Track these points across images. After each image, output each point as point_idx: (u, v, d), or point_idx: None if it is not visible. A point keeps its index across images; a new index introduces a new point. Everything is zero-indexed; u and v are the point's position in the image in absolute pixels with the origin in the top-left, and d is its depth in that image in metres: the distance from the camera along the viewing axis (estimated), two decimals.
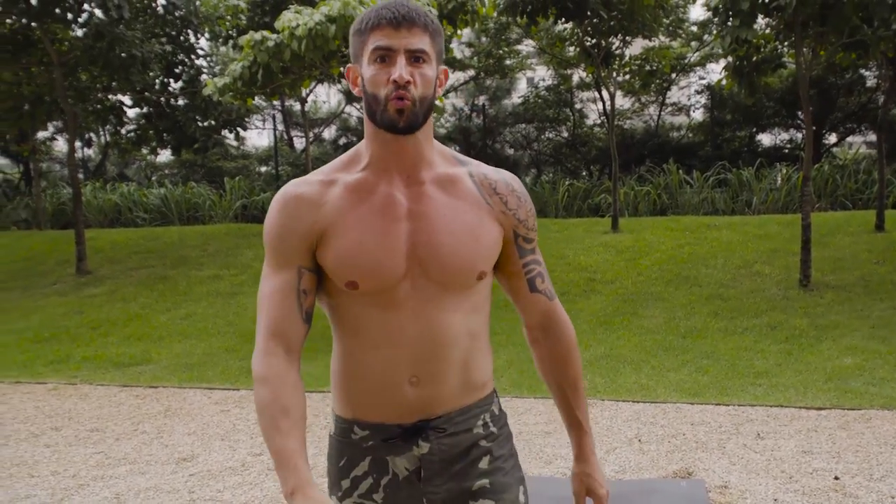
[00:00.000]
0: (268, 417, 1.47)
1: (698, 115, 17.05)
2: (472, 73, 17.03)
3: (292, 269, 1.56)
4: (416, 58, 1.47)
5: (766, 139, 16.33)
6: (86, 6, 10.02)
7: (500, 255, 1.63)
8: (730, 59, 8.66)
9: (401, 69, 1.44)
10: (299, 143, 18.61)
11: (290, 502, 1.39)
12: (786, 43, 8.82)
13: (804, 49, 8.30)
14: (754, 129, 15.73)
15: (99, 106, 12.17)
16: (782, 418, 4.89)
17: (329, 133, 19.09)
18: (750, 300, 7.92)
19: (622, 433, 4.72)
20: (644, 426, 4.84)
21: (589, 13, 9.99)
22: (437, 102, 9.89)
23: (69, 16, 10.16)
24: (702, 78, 16.78)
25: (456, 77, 17.47)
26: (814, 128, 13.91)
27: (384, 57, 1.47)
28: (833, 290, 7.98)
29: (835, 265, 8.69)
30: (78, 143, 15.15)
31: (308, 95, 11.73)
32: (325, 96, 21.37)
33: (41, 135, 16.12)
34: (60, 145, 18.31)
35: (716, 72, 16.27)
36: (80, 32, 10.53)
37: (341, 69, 8.92)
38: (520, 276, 1.67)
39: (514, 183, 1.65)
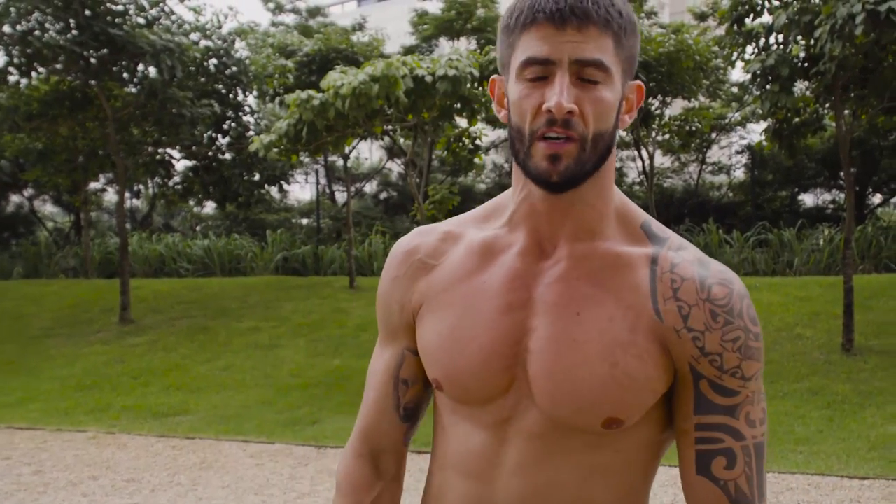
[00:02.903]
0: None
1: (739, 174, 17.00)
2: None
3: (396, 348, 1.19)
4: (588, 73, 0.98)
5: (808, 199, 16.21)
6: (140, 66, 10.44)
7: (676, 402, 1.05)
8: (770, 121, 8.69)
9: (559, 93, 0.96)
10: (341, 197, 18.91)
11: None
12: (826, 105, 8.83)
13: (845, 111, 8.30)
14: (796, 189, 15.63)
15: (149, 159, 12.56)
16: (824, 487, 4.78)
17: (370, 188, 19.40)
18: (791, 364, 7.79)
19: (658, 498, 4.65)
20: (681, 492, 4.76)
21: None
22: (476, 160, 9.99)
23: (125, 75, 10.60)
24: (742, 137, 16.78)
25: (497, 134, 17.70)
26: (857, 188, 13.80)
27: (537, 72, 0.99)
28: (877, 356, 7.81)
29: (879, 329, 8.52)
30: (127, 195, 15.59)
31: (351, 152, 11.98)
32: (367, 152, 21.76)
33: (92, 185, 16.63)
34: (110, 196, 18.87)
35: (756, 132, 16.26)
36: (133, 90, 10.94)
37: (384, 127, 9.14)
38: (688, 441, 1.04)
39: (716, 288, 1.01)
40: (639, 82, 1.09)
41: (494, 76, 1.11)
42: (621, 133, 15.41)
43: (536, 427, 1.04)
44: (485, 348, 1.05)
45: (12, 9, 9.66)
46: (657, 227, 1.09)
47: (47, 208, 20.33)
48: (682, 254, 1.05)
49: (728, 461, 1.01)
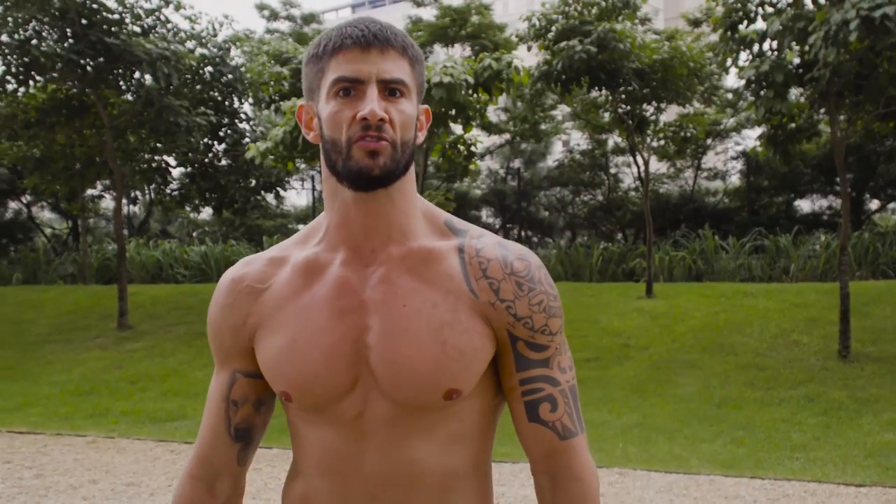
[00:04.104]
0: None
1: (734, 180, 17.05)
2: (507, 136, 17.29)
3: (227, 371, 1.25)
4: (392, 90, 1.11)
5: (805, 205, 16.25)
6: (137, 74, 10.46)
7: (500, 365, 1.19)
8: (764, 127, 8.72)
9: (372, 103, 1.08)
10: None
11: None
12: (821, 111, 8.86)
13: (840, 117, 8.34)
14: (792, 196, 15.67)
15: (145, 166, 12.57)
16: (820, 494, 4.79)
17: None
18: (787, 370, 7.81)
19: None
20: (677, 497, 4.78)
21: (622, 82, 10.16)
22: (471, 167, 9.99)
23: (122, 83, 10.62)
24: (738, 143, 16.83)
25: (492, 140, 17.74)
26: (854, 194, 13.84)
27: (349, 90, 1.11)
28: (874, 362, 7.83)
29: (876, 336, 8.54)
30: (124, 201, 15.59)
31: None
32: None
33: (89, 192, 16.64)
34: (107, 203, 18.87)
35: (751, 138, 16.32)
36: (130, 98, 10.96)
37: None
38: (515, 395, 1.18)
39: (517, 263, 1.17)
40: (426, 106, 1.23)
41: (301, 102, 1.23)
42: (616, 139, 15.48)
43: (388, 414, 1.14)
44: (326, 352, 1.14)
45: (10, 18, 9.68)
46: (458, 222, 1.23)
47: (45, 215, 20.34)
48: (484, 240, 1.19)
49: (552, 405, 1.18)
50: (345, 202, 1.16)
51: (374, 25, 1.13)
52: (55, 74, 10.40)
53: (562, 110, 16.17)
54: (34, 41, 9.66)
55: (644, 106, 11.08)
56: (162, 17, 10.65)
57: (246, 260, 1.27)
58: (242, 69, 11.33)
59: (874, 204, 15.81)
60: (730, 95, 15.08)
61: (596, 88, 10.55)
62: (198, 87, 11.17)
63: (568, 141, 19.08)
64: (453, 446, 1.17)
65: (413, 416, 1.14)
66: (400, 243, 1.17)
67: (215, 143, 12.43)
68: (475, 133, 10.31)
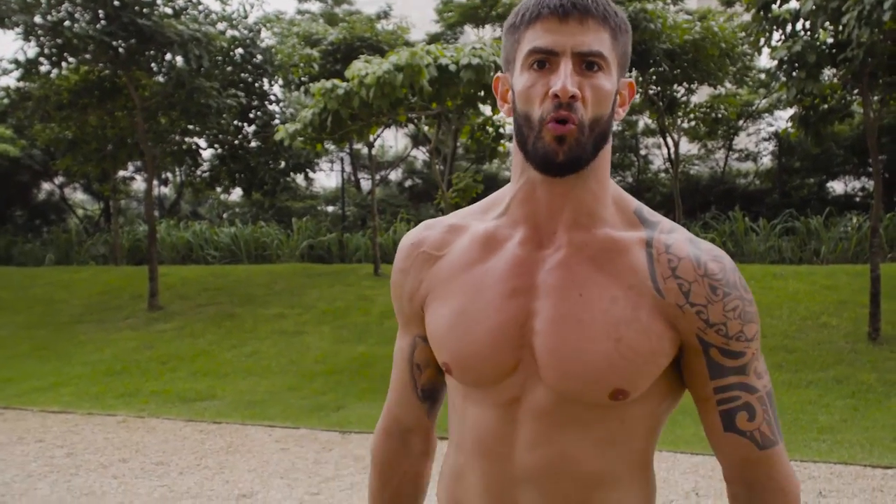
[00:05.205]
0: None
1: (766, 161, 16.83)
2: None
3: (409, 335, 1.27)
4: (588, 63, 1.06)
5: (838, 187, 16.00)
6: (168, 55, 10.55)
7: (690, 372, 1.12)
8: (796, 108, 8.60)
9: (564, 78, 1.04)
10: (366, 185, 18.99)
11: None
12: (854, 92, 8.71)
13: (874, 98, 8.19)
14: (824, 177, 15.44)
15: (176, 148, 12.70)
16: (846, 476, 4.77)
17: (395, 175, 19.46)
18: (816, 353, 7.75)
19: (679, 486, 4.67)
20: (702, 479, 4.78)
21: (652, 63, 10.06)
22: (500, 148, 9.97)
23: (153, 64, 10.72)
24: (770, 124, 16.59)
25: None
26: (886, 176, 13.59)
27: (543, 62, 1.06)
28: None
29: None
30: (155, 183, 15.77)
31: (375, 140, 12.03)
32: (392, 140, 21.81)
33: (121, 174, 16.86)
34: (139, 184, 19.11)
35: (784, 119, 16.08)
36: (161, 79, 11.07)
37: (408, 116, 9.17)
38: (709, 405, 1.12)
39: (711, 264, 1.09)
40: (630, 80, 1.17)
41: (498, 74, 1.20)
42: (646, 120, 15.34)
43: (545, 404, 1.10)
44: (492, 331, 1.10)
45: (43, 0, 9.80)
46: (648, 212, 1.16)
47: (77, 196, 20.65)
48: (674, 235, 1.12)
49: (749, 414, 1.10)
50: (531, 180, 1.12)
51: None
52: (87, 56, 10.51)
53: None
54: (67, 23, 9.76)
55: (675, 87, 10.97)
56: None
57: (427, 224, 1.26)
58: (272, 51, 11.38)
59: None
60: (762, 76, 14.86)
61: (626, 69, 10.45)
62: (228, 68, 11.23)
63: None
64: (609, 447, 1.12)
65: (572, 410, 1.09)
66: (585, 229, 1.11)
67: (245, 124, 12.51)
68: (503, 115, 10.27)
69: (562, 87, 1.03)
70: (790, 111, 10.16)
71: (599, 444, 1.11)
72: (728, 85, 13.58)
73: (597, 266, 1.10)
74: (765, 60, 13.61)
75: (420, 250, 1.22)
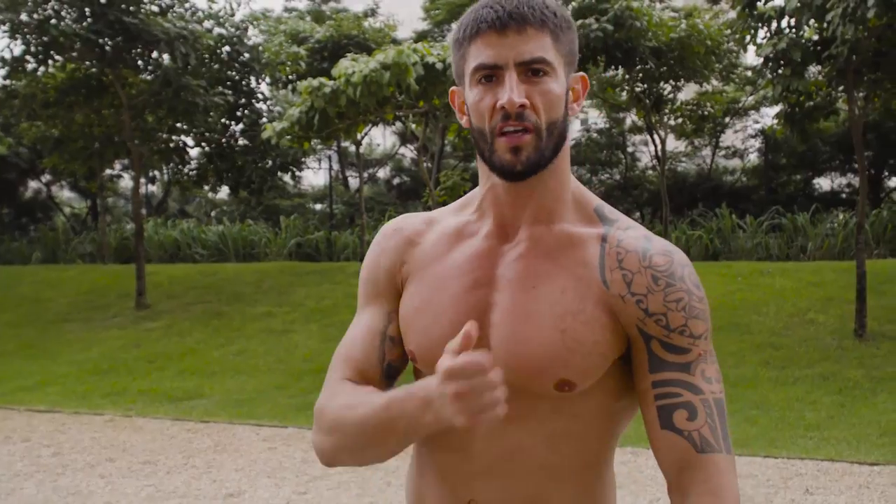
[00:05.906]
0: (339, 426, 1.16)
1: (753, 158, 16.91)
2: None
3: (381, 310, 1.25)
4: (534, 70, 1.07)
5: (824, 183, 16.10)
6: (155, 53, 10.50)
7: (634, 365, 1.12)
8: (782, 105, 8.64)
9: (510, 91, 1.05)
10: (354, 183, 18.97)
11: (431, 409, 1.04)
12: (839, 89, 8.76)
13: (859, 95, 8.24)
14: (810, 174, 15.54)
15: (163, 146, 12.64)
16: (833, 473, 4.80)
17: (383, 173, 19.44)
18: (802, 349, 7.79)
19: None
20: None
21: (638, 60, 10.08)
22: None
23: (140, 62, 10.66)
24: (756, 122, 16.67)
25: None
26: (872, 172, 13.69)
27: (490, 76, 1.08)
28: (890, 341, 7.79)
29: (892, 315, 8.49)
30: (142, 181, 15.71)
31: (363, 138, 12.01)
32: (379, 138, 21.77)
33: (108, 172, 16.77)
34: (126, 182, 19.02)
35: (770, 116, 16.16)
36: (148, 77, 11.02)
37: (395, 114, 9.17)
38: (648, 399, 1.09)
39: (657, 257, 1.10)
40: (582, 73, 1.18)
41: (453, 87, 1.21)
42: (633, 118, 15.37)
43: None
44: (453, 324, 1.09)
45: None
46: (609, 210, 1.20)
47: (64, 194, 20.56)
48: (630, 232, 1.14)
49: (689, 413, 1.06)
50: (495, 185, 1.16)
51: (510, 2, 1.08)
52: (74, 54, 10.46)
53: None
54: (53, 20, 9.70)
55: (661, 84, 11.00)
56: None
57: (405, 216, 1.30)
58: (260, 49, 11.35)
59: (893, 182, 15.64)
60: (749, 73, 14.92)
61: (612, 67, 10.48)
62: (215, 66, 11.19)
63: (585, 120, 18.97)
64: (563, 442, 1.12)
65: (523, 403, 1.09)
66: (543, 225, 1.15)
67: (232, 123, 12.47)
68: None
69: (508, 99, 1.05)
70: (776, 108, 10.21)
71: (553, 438, 1.12)
72: (714, 82, 13.63)
73: (551, 259, 1.13)
74: (751, 58, 13.67)
75: (402, 234, 1.26)
